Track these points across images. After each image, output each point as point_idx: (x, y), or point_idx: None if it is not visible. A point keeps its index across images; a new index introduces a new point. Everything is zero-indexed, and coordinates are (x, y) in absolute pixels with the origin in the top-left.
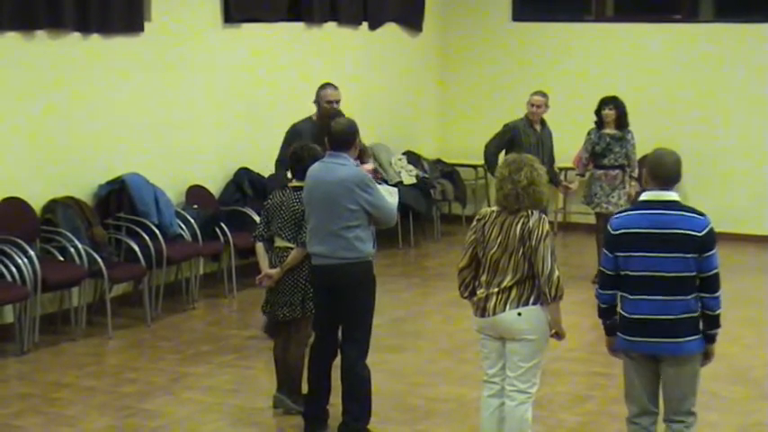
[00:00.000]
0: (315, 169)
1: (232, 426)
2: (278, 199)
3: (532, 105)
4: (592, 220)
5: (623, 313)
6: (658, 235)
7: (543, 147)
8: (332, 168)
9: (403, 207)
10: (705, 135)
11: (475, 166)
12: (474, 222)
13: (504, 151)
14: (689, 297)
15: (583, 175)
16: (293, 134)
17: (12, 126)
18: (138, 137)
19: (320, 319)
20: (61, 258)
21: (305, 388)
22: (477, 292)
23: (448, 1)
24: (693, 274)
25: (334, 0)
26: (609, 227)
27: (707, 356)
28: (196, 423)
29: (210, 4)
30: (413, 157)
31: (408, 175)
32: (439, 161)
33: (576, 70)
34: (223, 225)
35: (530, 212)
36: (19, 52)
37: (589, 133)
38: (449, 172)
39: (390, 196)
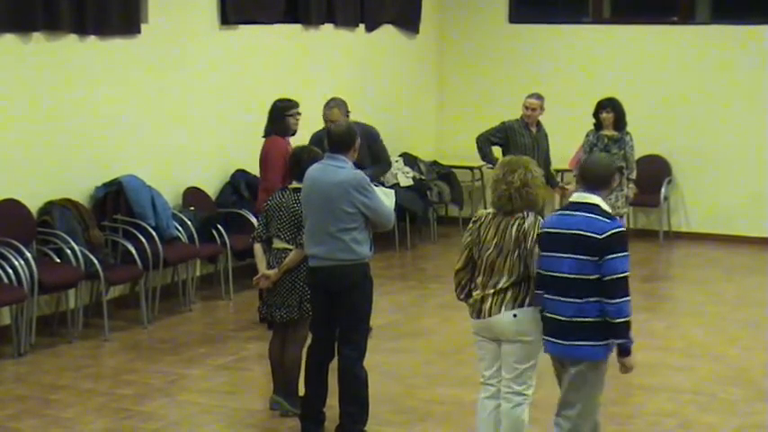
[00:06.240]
0: (313, 171)
1: (229, 428)
2: (277, 200)
3: (527, 108)
4: None
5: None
6: (559, 235)
7: (538, 148)
8: (330, 170)
9: (399, 209)
10: (702, 136)
11: (471, 168)
12: (470, 224)
13: (499, 150)
14: (582, 300)
15: None
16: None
17: (8, 127)
18: (134, 139)
19: (317, 321)
20: (58, 260)
21: (302, 390)
22: (473, 294)
23: (445, 3)
24: (589, 277)
25: (331, 2)
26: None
27: (622, 367)
28: (193, 425)
29: (207, 6)
30: (409, 159)
31: (405, 177)
32: (435, 163)
33: (573, 72)
34: (220, 227)
35: (525, 214)
36: (16, 54)
37: (588, 135)
38: (445, 174)
39: (387, 198)
